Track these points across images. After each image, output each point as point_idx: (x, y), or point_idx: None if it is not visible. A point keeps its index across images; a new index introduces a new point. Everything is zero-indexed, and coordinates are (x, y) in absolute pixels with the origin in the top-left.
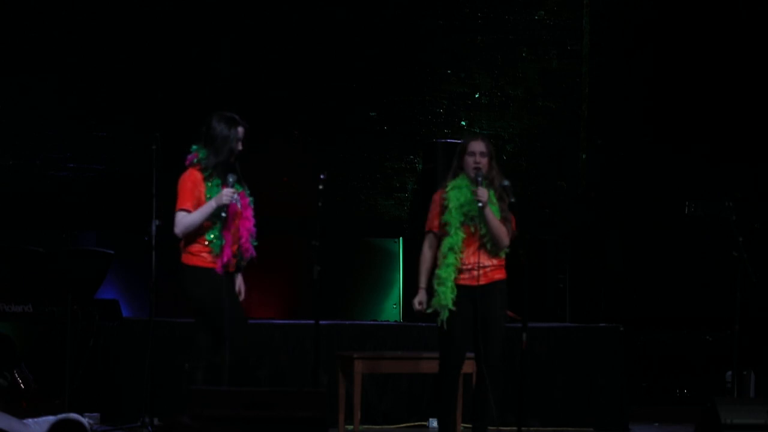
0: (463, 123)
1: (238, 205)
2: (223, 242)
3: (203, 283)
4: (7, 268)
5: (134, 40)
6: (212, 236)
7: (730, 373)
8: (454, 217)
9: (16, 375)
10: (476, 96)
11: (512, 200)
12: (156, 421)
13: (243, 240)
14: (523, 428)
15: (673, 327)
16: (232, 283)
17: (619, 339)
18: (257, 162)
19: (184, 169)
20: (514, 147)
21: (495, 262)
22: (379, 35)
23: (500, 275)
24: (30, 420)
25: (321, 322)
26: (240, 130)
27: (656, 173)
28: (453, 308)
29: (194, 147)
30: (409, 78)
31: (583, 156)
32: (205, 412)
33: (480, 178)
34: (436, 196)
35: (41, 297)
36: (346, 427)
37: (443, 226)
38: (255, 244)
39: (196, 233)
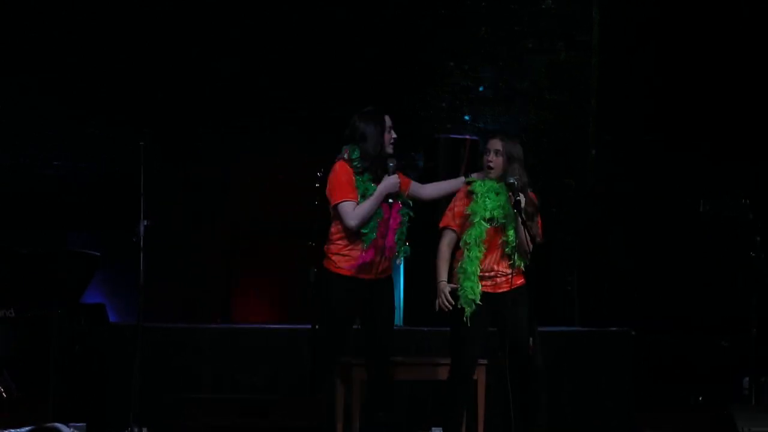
0: (467, 117)
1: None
2: (375, 236)
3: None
4: None
5: (134, 40)
6: (367, 229)
7: (747, 379)
8: (479, 207)
9: None
10: (480, 89)
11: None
12: (145, 431)
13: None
14: None
15: (688, 330)
16: (377, 287)
17: (629, 343)
18: (256, 162)
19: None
20: (520, 142)
21: (517, 268)
22: (379, 28)
23: (522, 280)
24: (12, 430)
25: (318, 326)
26: (387, 119)
27: (666, 169)
28: (480, 303)
29: (345, 147)
30: (411, 72)
31: (593, 152)
32: (200, 420)
33: (515, 181)
34: (460, 193)
35: (24, 301)
36: None
37: (467, 217)
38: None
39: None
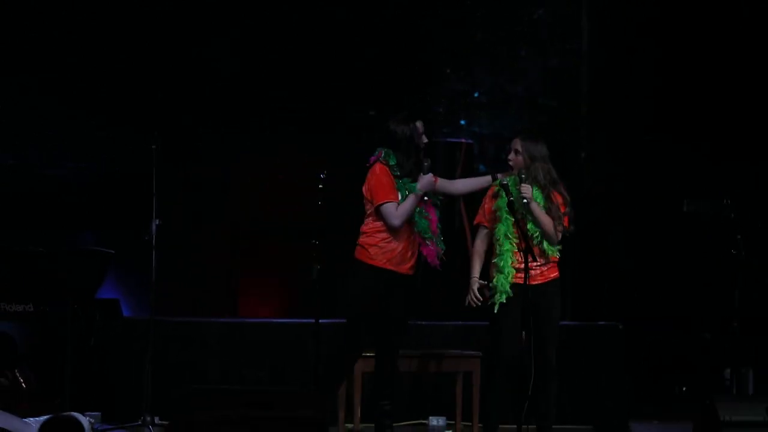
0: (462, 122)
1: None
2: (431, 235)
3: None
4: (8, 268)
5: (134, 40)
6: (422, 226)
7: (728, 370)
8: (504, 202)
9: (17, 374)
10: (476, 95)
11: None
12: (157, 420)
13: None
14: (523, 427)
15: (673, 325)
16: (404, 282)
17: (618, 337)
18: (256, 162)
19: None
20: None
21: (550, 259)
22: (379, 29)
23: (555, 273)
24: (31, 419)
25: (321, 320)
26: (419, 124)
27: (658, 171)
28: (511, 295)
29: (379, 149)
30: (409, 77)
31: (583, 154)
32: (206, 412)
33: (524, 175)
34: (489, 192)
35: (42, 297)
36: (347, 425)
37: (495, 212)
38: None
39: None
